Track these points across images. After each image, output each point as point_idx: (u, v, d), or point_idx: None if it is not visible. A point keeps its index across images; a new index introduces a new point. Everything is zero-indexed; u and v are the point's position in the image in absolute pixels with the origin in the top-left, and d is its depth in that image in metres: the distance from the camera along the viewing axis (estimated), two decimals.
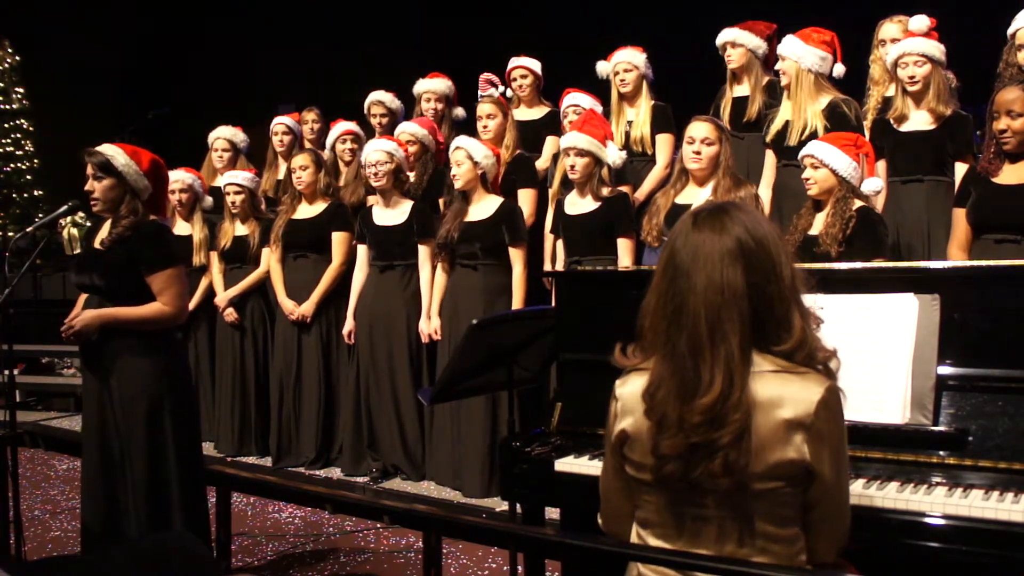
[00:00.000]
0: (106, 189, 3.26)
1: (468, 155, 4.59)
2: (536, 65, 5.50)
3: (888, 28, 4.58)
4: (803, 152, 3.78)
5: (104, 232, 3.35)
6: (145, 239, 3.26)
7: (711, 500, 1.73)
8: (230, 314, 5.57)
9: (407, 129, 5.26)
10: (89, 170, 3.28)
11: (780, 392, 1.70)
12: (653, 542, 1.82)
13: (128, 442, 3.22)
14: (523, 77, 5.50)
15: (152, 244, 3.27)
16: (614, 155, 4.42)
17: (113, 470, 3.26)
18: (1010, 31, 4.14)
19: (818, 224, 3.71)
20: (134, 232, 3.26)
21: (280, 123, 6.19)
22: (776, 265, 1.74)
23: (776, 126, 4.44)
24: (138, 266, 3.24)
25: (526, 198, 5.04)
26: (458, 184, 4.65)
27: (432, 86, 5.71)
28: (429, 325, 4.80)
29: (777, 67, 4.45)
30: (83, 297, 3.38)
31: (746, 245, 1.73)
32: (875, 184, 3.80)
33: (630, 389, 1.82)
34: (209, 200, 5.85)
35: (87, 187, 3.29)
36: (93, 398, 3.31)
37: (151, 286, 3.24)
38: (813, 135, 4.17)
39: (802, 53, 4.30)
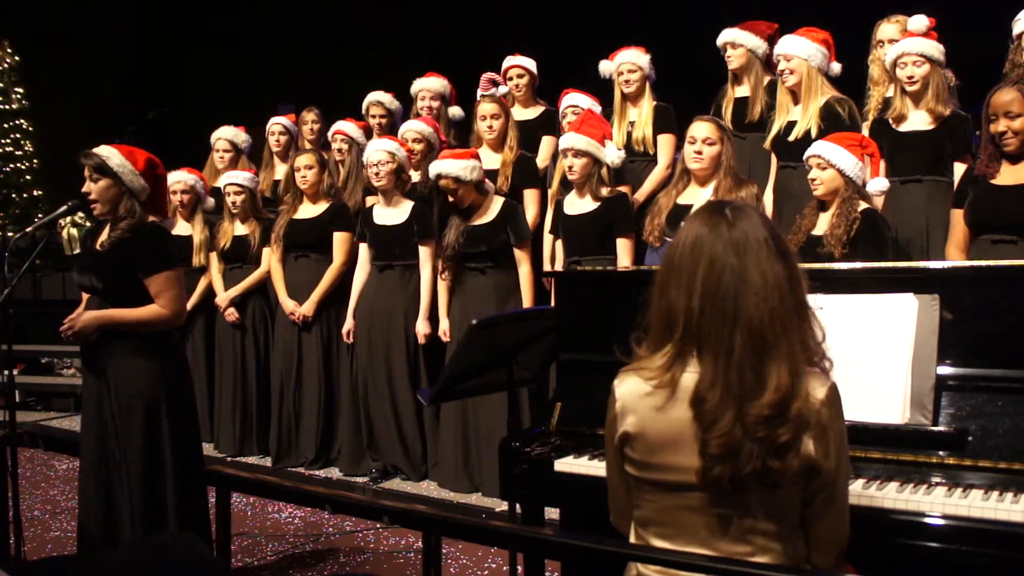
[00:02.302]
0: (102, 190, 3.27)
1: (453, 179, 4.58)
2: (531, 64, 5.48)
3: (886, 28, 4.57)
4: (809, 152, 3.77)
5: (105, 234, 3.36)
6: (142, 241, 3.27)
7: (712, 499, 1.73)
8: (231, 314, 5.56)
9: (413, 128, 5.25)
10: (86, 172, 3.29)
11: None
12: (654, 541, 1.82)
13: (125, 443, 3.23)
14: (519, 76, 5.47)
15: (149, 246, 3.28)
16: (612, 155, 4.41)
17: (111, 471, 3.26)
18: (1016, 31, 4.12)
19: (822, 224, 3.71)
20: (132, 234, 3.26)
21: (276, 123, 6.17)
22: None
23: (776, 129, 4.44)
24: (135, 268, 3.24)
25: (530, 198, 5.04)
26: (464, 205, 4.66)
27: (428, 84, 5.67)
28: (427, 326, 4.80)
29: (782, 67, 4.41)
30: (87, 297, 3.40)
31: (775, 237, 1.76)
32: (881, 184, 3.79)
33: (629, 388, 1.81)
34: (211, 201, 5.83)
35: (84, 189, 3.30)
36: (92, 399, 3.31)
37: (148, 288, 3.25)
38: (808, 134, 4.17)
39: (811, 51, 4.29)
